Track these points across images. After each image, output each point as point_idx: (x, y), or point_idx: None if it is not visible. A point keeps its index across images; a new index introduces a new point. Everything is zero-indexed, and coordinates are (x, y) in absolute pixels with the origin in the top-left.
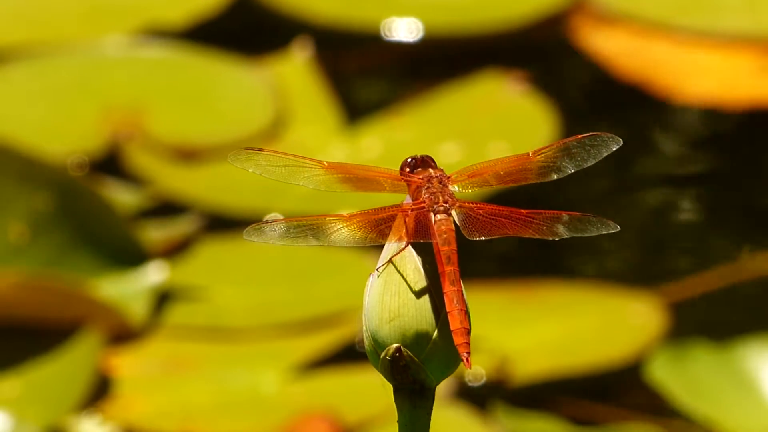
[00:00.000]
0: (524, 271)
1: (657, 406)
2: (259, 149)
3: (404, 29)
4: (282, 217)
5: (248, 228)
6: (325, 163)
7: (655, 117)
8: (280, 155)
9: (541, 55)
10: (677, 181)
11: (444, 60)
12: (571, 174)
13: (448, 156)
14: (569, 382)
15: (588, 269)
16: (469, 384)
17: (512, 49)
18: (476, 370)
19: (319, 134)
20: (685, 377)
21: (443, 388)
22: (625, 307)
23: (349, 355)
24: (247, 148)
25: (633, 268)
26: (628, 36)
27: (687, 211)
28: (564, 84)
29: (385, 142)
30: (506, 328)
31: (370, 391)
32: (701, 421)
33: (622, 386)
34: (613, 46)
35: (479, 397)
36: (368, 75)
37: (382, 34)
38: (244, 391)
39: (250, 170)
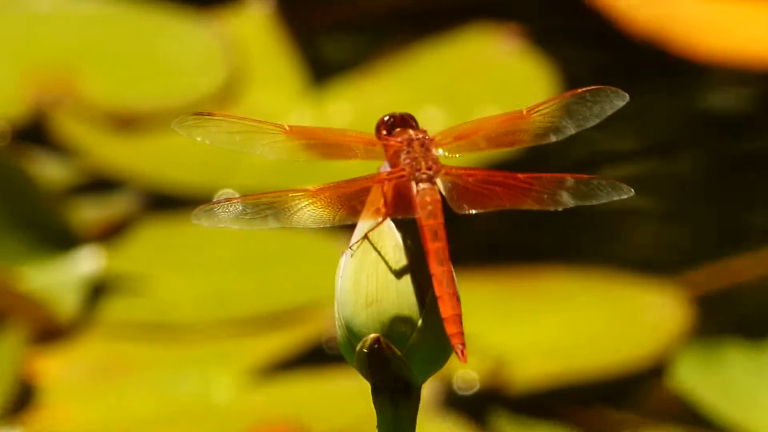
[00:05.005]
0: (520, 255)
1: (682, 413)
2: (209, 114)
3: None
4: (236, 195)
5: (197, 209)
6: (287, 127)
7: (672, 78)
8: (233, 120)
9: (541, 7)
10: (700, 150)
11: (427, 12)
12: (577, 136)
13: (430, 123)
14: (575, 388)
15: (598, 253)
16: (460, 392)
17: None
18: (468, 375)
19: (280, 98)
20: (715, 380)
21: (430, 396)
22: (641, 300)
23: (316, 356)
24: (195, 113)
25: (652, 252)
26: None
27: (713, 185)
28: (567, 41)
29: (356, 107)
30: (499, 325)
31: (341, 399)
32: (733, 428)
33: (639, 392)
34: None
35: (472, 407)
36: (338, 30)
37: None
38: (194, 400)
39: (199, 139)
